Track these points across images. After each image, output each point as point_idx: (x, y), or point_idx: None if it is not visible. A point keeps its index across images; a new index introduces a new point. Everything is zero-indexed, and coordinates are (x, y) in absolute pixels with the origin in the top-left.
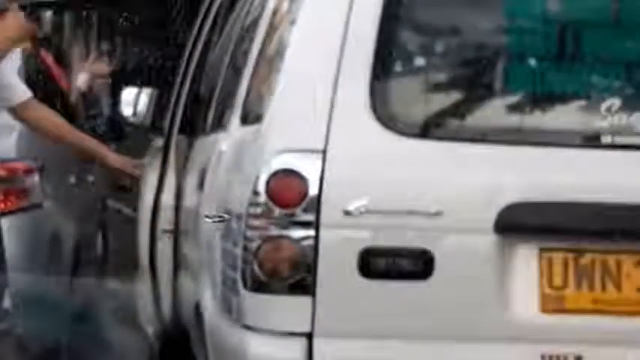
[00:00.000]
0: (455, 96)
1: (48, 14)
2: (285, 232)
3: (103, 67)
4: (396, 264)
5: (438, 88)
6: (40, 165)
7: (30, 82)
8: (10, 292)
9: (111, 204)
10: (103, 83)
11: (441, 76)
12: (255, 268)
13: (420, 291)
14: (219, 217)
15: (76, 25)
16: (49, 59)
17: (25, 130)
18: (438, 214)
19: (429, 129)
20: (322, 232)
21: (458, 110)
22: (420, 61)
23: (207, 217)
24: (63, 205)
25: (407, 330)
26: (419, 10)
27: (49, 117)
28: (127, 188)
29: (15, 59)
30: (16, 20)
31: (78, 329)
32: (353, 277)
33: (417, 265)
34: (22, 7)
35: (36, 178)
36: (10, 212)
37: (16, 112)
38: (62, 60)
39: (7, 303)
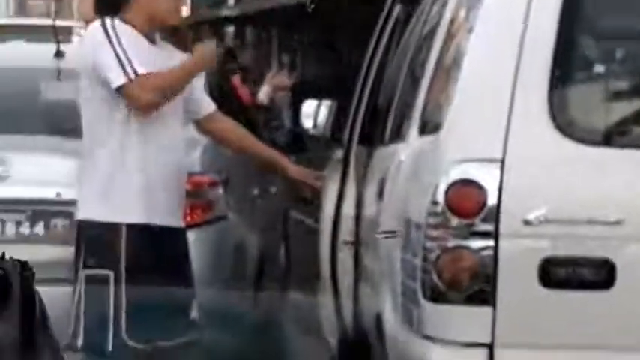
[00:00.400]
0: (637, 103)
1: (230, 29)
2: (464, 242)
3: (284, 79)
4: (576, 273)
5: (619, 94)
6: (224, 178)
7: (212, 95)
8: (197, 304)
9: (293, 215)
10: (284, 96)
11: (622, 83)
12: (435, 278)
13: (601, 301)
14: (390, 232)
15: (257, 38)
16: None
17: (209, 144)
18: (618, 222)
19: (610, 137)
20: (502, 242)
21: None
22: (599, 68)
23: (379, 233)
24: (246, 217)
25: (587, 340)
26: (598, 15)
27: (233, 129)
28: (308, 200)
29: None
30: (209, 48)
31: (261, 340)
32: (533, 287)
33: (599, 274)
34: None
35: (220, 191)
36: (196, 225)
37: (200, 124)
38: (244, 73)
39: (194, 314)
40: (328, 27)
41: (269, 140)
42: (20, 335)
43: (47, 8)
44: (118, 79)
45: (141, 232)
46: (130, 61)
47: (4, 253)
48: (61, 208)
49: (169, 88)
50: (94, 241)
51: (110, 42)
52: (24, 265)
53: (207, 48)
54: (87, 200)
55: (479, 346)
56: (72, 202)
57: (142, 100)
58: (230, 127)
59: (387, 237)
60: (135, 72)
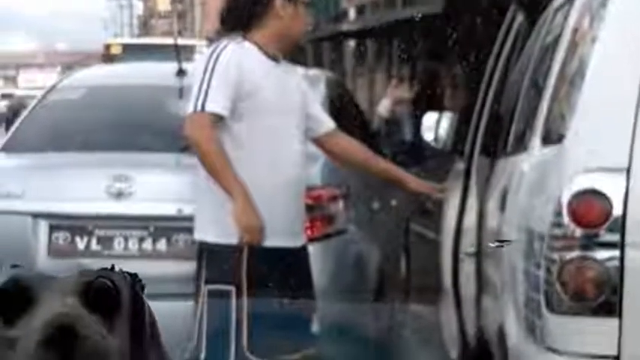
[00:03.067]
0: None
1: (351, 43)
2: (588, 253)
3: (404, 92)
4: None
5: None
6: (344, 191)
7: (333, 108)
8: (318, 318)
9: (414, 227)
10: (405, 108)
11: None
12: (559, 289)
13: None
14: (505, 241)
15: (378, 52)
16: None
17: (328, 159)
18: None
19: None
20: (628, 252)
21: None
22: None
23: (493, 244)
24: (367, 230)
25: None
26: None
27: (352, 147)
28: (429, 212)
29: (319, 88)
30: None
31: (383, 353)
32: None
33: None
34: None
35: (340, 204)
36: (316, 239)
37: (318, 142)
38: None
39: (314, 328)
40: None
41: (390, 153)
42: (130, 348)
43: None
44: (189, 106)
45: (260, 252)
46: (205, 95)
47: (113, 265)
48: (183, 223)
49: (203, 156)
50: (215, 258)
51: (204, 69)
52: (134, 278)
53: (250, 222)
54: (202, 220)
55: (605, 358)
56: (192, 218)
57: (186, 131)
58: (348, 145)
59: (500, 246)
60: (202, 107)
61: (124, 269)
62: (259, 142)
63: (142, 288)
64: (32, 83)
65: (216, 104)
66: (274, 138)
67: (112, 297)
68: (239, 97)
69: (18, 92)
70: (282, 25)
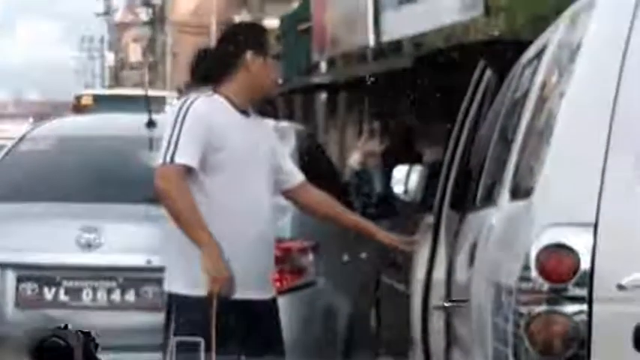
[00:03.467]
0: None
1: (322, 96)
2: (556, 308)
3: (375, 145)
4: None
5: None
6: (314, 243)
7: (302, 160)
8: None
9: (384, 280)
10: (375, 161)
11: None
12: (527, 343)
13: None
14: (461, 301)
15: (349, 104)
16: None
17: (298, 211)
18: None
19: None
20: (595, 307)
21: None
22: None
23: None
24: (337, 282)
25: None
26: None
27: (321, 200)
28: (400, 264)
29: (289, 140)
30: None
31: None
32: (628, 353)
33: None
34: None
35: (310, 256)
36: (285, 291)
37: (288, 194)
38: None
39: None
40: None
41: (361, 205)
42: None
43: (141, 78)
44: (159, 158)
45: (230, 304)
46: (175, 148)
47: (66, 325)
48: (151, 274)
49: (172, 208)
50: (184, 310)
51: (174, 122)
52: (87, 337)
53: (219, 273)
54: (172, 271)
55: None
56: (162, 269)
57: (156, 183)
58: (318, 197)
59: (457, 306)
60: (172, 159)
61: (93, 320)
62: (229, 195)
63: (96, 347)
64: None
65: (186, 156)
66: (244, 190)
67: (64, 356)
68: (208, 150)
69: None
70: (251, 79)
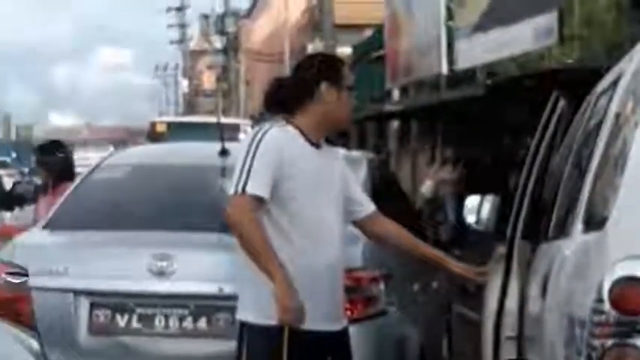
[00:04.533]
0: None
1: (395, 123)
2: (629, 341)
3: (448, 173)
4: None
5: None
6: (385, 273)
7: (374, 190)
8: None
9: (456, 309)
10: (448, 190)
11: None
12: None
13: None
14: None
15: (421, 132)
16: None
17: (369, 240)
18: None
19: None
20: None
21: None
22: None
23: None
24: (408, 311)
25: None
26: None
27: (392, 231)
28: (472, 293)
29: (361, 170)
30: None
31: None
32: None
33: None
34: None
35: (381, 286)
36: (356, 320)
37: (359, 224)
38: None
39: None
40: (493, 121)
41: (433, 234)
42: None
43: (215, 105)
44: (231, 188)
45: (301, 335)
46: (247, 178)
47: None
48: (223, 302)
49: (244, 239)
50: (256, 339)
51: (247, 152)
52: None
53: (290, 304)
54: (244, 300)
55: None
56: (234, 297)
57: (228, 213)
58: (389, 228)
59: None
60: (243, 189)
61: (165, 348)
62: (300, 226)
63: None
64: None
65: (257, 187)
66: (314, 221)
67: None
68: (279, 181)
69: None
70: (326, 111)
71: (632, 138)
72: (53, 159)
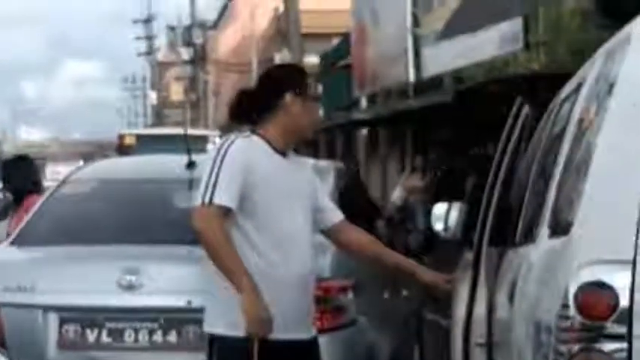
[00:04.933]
0: None
1: (363, 131)
2: (596, 345)
3: (417, 181)
4: None
5: None
6: (354, 282)
7: (342, 198)
8: None
9: (427, 315)
10: (418, 197)
11: None
12: None
13: None
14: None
15: (390, 140)
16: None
17: (338, 250)
18: None
19: None
20: (636, 344)
21: None
22: None
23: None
24: (378, 320)
25: None
26: None
27: (361, 239)
28: (440, 301)
29: (329, 179)
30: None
31: None
32: None
33: None
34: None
35: (350, 295)
36: (326, 331)
37: (327, 233)
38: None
39: None
40: (459, 129)
41: (402, 242)
42: None
43: (183, 116)
44: (197, 199)
45: (271, 345)
46: (213, 189)
47: None
48: (192, 315)
49: (210, 249)
50: (226, 351)
51: (213, 163)
52: None
53: (258, 315)
54: (213, 312)
55: None
56: (202, 310)
57: (194, 224)
58: (357, 237)
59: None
60: (210, 200)
61: None
62: (269, 236)
63: None
64: (57, 175)
65: (224, 198)
66: (282, 230)
67: None
68: (247, 192)
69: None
70: (291, 120)
71: (594, 143)
72: (18, 174)
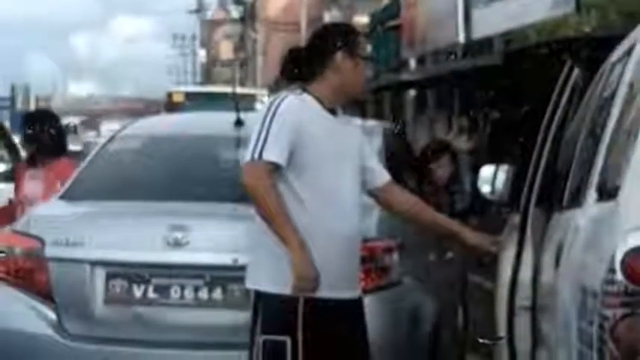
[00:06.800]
0: None
1: (411, 93)
2: None
3: (464, 142)
4: None
5: None
6: (400, 243)
7: (389, 159)
8: None
9: (471, 278)
10: (464, 159)
11: None
12: (612, 346)
13: None
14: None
15: (438, 102)
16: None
17: (384, 210)
18: None
19: None
20: None
21: None
22: None
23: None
24: (423, 281)
25: None
26: None
27: (407, 200)
28: (486, 264)
29: (377, 140)
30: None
31: None
32: None
33: None
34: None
35: (395, 256)
36: (370, 291)
37: (374, 194)
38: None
39: None
40: (509, 90)
41: (449, 205)
42: None
43: (232, 75)
44: (247, 154)
45: (317, 303)
46: (263, 144)
47: None
48: (238, 273)
49: (260, 205)
50: (271, 308)
51: (264, 119)
52: None
53: (306, 272)
54: (259, 269)
55: None
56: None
57: (244, 179)
58: (404, 198)
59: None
60: (260, 156)
61: (180, 318)
62: (316, 194)
63: None
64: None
65: (274, 153)
66: (330, 190)
67: None
68: (296, 149)
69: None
70: (341, 79)
71: None
72: (43, 134)
